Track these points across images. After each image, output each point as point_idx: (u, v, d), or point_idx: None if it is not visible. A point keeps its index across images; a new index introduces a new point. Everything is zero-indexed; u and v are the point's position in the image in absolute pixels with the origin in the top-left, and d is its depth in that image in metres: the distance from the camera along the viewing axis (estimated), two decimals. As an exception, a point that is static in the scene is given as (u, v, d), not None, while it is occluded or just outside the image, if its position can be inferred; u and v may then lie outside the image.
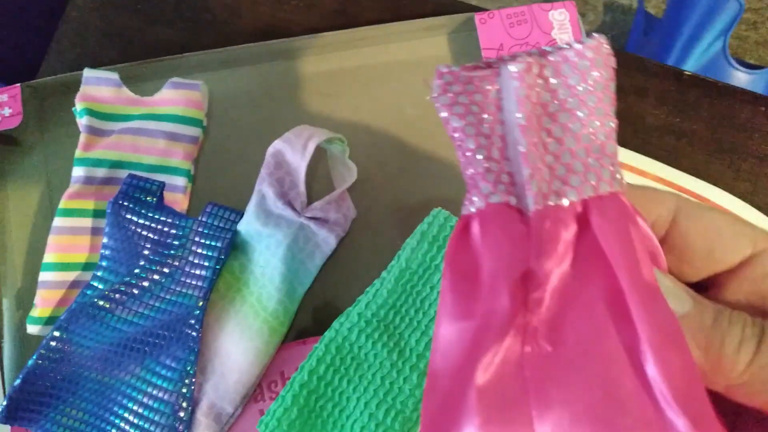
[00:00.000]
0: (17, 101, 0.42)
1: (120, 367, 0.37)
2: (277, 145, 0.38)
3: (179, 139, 0.41)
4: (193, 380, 0.36)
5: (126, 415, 0.36)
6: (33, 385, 0.37)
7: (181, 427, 0.35)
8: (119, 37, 0.46)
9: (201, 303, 0.37)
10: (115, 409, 0.37)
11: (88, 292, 0.38)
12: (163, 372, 0.36)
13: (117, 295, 0.37)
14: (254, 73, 0.44)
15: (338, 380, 0.36)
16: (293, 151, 0.38)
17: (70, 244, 0.39)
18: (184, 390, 0.36)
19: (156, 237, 0.38)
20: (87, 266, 0.39)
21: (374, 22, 0.44)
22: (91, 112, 0.40)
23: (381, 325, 0.37)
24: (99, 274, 0.38)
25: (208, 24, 0.46)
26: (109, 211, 0.38)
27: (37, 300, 0.39)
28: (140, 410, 0.36)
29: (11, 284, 0.41)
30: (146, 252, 0.38)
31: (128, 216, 0.38)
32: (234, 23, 0.46)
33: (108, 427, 0.37)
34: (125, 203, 0.38)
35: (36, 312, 0.38)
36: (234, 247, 0.39)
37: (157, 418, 0.36)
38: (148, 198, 0.38)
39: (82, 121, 0.40)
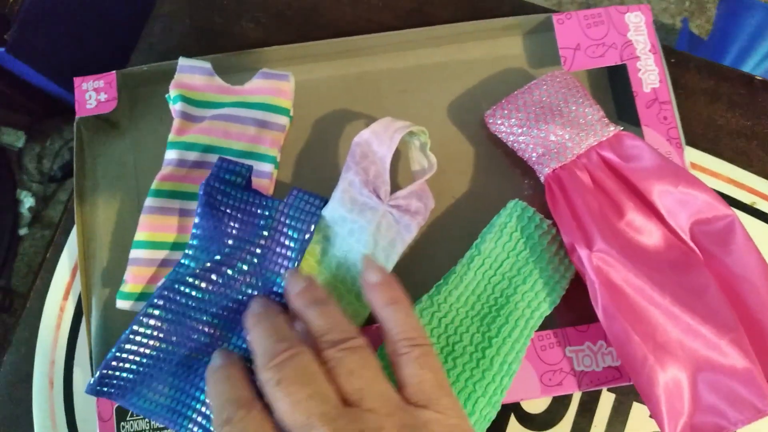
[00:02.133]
0: (113, 87, 0.43)
1: (206, 344, 0.38)
2: (363, 135, 0.40)
3: (268, 126, 0.42)
4: (279, 357, 0.37)
5: (210, 391, 0.37)
6: (124, 359, 0.38)
7: (266, 402, 0.36)
8: (205, 33, 0.48)
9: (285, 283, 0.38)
10: (201, 385, 0.37)
11: (180, 269, 0.39)
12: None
13: (206, 273, 0.38)
14: (336, 67, 0.46)
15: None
16: (380, 141, 0.39)
17: (160, 223, 0.40)
18: (270, 366, 0.36)
19: (244, 218, 0.39)
20: (175, 246, 0.40)
21: (450, 21, 0.45)
22: (184, 99, 0.42)
23: (460, 312, 0.38)
24: (190, 252, 0.39)
25: (290, 20, 0.48)
26: (201, 192, 0.39)
27: (127, 276, 0.40)
28: (224, 386, 0.37)
29: (99, 262, 0.43)
30: (235, 232, 0.39)
31: (219, 197, 0.39)
32: (314, 21, 0.48)
33: (194, 403, 0.37)
34: (216, 184, 0.39)
35: (127, 288, 0.40)
36: (317, 232, 0.40)
37: (241, 394, 0.37)
38: (237, 180, 0.40)
39: (176, 107, 0.42)
